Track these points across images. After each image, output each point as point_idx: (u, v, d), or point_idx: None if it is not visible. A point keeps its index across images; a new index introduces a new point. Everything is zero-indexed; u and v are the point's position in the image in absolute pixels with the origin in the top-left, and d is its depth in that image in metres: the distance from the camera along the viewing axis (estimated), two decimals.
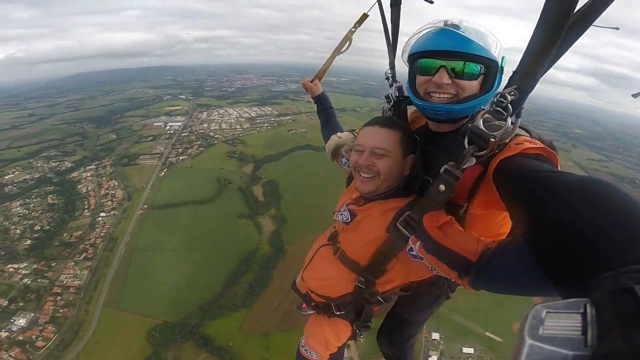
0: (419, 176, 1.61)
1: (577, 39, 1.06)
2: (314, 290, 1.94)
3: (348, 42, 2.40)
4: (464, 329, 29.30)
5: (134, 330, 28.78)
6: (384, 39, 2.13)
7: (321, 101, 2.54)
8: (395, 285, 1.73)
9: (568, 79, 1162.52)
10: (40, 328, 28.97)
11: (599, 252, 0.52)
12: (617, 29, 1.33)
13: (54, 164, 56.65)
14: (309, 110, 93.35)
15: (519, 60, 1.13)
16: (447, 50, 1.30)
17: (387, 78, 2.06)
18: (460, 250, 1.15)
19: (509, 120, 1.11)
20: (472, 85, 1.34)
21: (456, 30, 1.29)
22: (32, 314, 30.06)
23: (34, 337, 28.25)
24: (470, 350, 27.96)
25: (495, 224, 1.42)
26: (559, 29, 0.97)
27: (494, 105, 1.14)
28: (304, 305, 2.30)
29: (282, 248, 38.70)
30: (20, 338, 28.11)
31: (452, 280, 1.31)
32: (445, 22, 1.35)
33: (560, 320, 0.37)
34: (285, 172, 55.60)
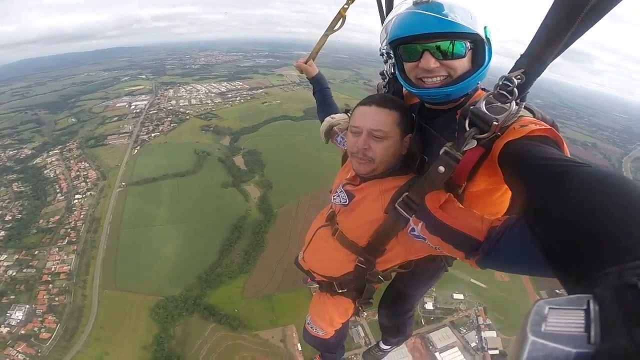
0: (417, 154, 1.55)
1: (597, 22, 0.96)
2: (315, 270, 1.96)
3: (341, 19, 2.27)
4: (451, 276, 29.92)
5: (136, 310, 28.12)
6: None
7: (318, 82, 2.44)
8: (395, 264, 1.72)
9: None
10: (40, 319, 27.81)
11: (602, 247, 0.52)
12: None
13: (11, 152, 52.73)
14: (281, 84, 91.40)
15: (529, 43, 1.09)
16: (424, 33, 1.21)
17: (382, 54, 1.87)
18: (465, 230, 1.12)
19: (513, 103, 1.07)
20: (463, 63, 1.25)
21: (428, 12, 1.19)
22: (28, 306, 28.76)
23: (36, 329, 27.14)
24: (460, 297, 29.96)
25: (494, 201, 1.39)
26: (578, 11, 0.91)
27: (498, 88, 1.10)
28: (309, 279, 2.36)
29: (272, 212, 38.97)
30: (23, 332, 26.94)
31: (458, 259, 1.28)
32: (415, 1, 1.27)
33: (563, 316, 0.37)
34: (265, 142, 55.00)
